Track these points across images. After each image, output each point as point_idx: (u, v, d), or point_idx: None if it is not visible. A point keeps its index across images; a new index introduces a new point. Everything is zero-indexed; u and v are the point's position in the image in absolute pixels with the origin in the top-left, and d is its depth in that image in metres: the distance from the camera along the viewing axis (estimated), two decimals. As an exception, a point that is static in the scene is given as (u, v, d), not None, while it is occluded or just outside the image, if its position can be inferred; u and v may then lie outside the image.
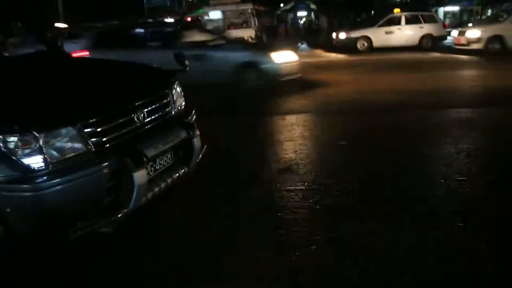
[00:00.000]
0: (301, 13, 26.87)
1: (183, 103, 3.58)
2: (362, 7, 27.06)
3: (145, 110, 2.96)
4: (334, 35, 20.04)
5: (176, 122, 3.28)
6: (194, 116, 3.63)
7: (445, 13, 41.23)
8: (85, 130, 2.54)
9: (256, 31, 21.48)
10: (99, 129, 2.60)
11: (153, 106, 3.07)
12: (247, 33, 21.34)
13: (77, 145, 2.51)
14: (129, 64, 3.61)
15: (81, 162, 2.50)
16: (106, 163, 2.56)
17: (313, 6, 27.08)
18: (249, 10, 21.92)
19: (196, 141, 3.31)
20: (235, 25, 21.80)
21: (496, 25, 16.94)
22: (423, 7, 26.72)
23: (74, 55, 9.58)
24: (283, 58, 8.96)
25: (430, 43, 18.28)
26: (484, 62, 13.52)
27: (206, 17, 21.63)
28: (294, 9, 26.82)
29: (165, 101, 3.26)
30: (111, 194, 2.63)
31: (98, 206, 2.58)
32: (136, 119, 2.87)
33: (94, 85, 3.00)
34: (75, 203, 2.45)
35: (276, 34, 25.87)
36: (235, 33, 21.30)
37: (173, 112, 3.33)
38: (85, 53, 8.92)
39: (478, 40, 15.73)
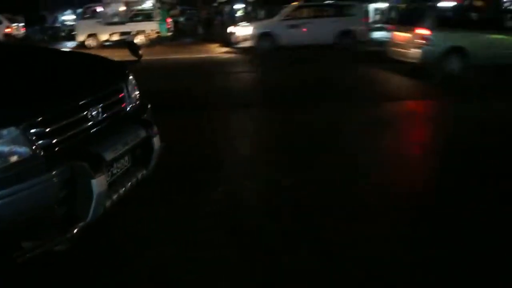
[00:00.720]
0: (238, 6, 26.58)
1: (138, 98, 3.20)
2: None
3: (99, 106, 2.56)
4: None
5: (133, 119, 2.91)
6: (150, 112, 3.27)
7: (375, 10, 42.88)
8: (31, 131, 2.11)
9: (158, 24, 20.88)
10: (48, 129, 2.18)
11: (108, 102, 2.67)
12: (150, 26, 20.69)
13: (22, 149, 2.08)
14: (75, 54, 3.16)
15: (27, 170, 2.06)
16: (58, 170, 2.14)
17: (248, -4, 26.77)
18: (153, 2, 21.25)
19: (156, 141, 2.96)
20: (138, 17, 21.10)
21: (266, 22, 16.90)
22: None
23: (417, 31, 9.71)
24: None
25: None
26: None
27: (104, 11, 20.56)
28: (231, 1, 26.48)
29: (120, 96, 2.87)
30: (64, 205, 2.22)
31: (49, 222, 2.17)
32: (89, 117, 2.47)
33: (40, 77, 2.53)
34: (20, 220, 2.03)
35: (210, 26, 25.37)
36: (137, 26, 20.58)
37: (128, 108, 2.96)
38: (427, 32, 9.46)
39: (249, 38, 15.50)
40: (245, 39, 15.89)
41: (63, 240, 2.19)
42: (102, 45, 19.81)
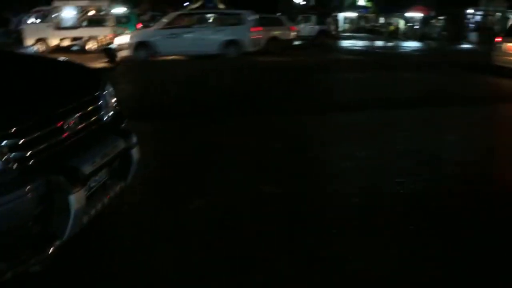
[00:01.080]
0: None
1: (115, 106, 3.06)
2: (268, 9, 27.51)
3: (76, 116, 2.42)
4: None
5: (111, 129, 2.78)
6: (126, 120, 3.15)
7: (345, 18, 43.80)
8: (3, 143, 1.96)
9: (114, 29, 20.20)
10: (21, 141, 2.03)
11: (85, 111, 2.53)
12: (103, 32, 19.59)
13: None
14: (50, 60, 2.99)
15: (-1, 185, 1.92)
16: (33, 184, 2.00)
17: (221, 6, 26.86)
18: (106, 7, 20.50)
19: (135, 152, 2.84)
20: (90, 23, 20.07)
21: (144, 30, 16.57)
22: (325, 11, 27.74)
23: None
24: None
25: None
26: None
27: (54, 15, 19.42)
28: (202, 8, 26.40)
29: (97, 104, 2.72)
30: (40, 223, 2.07)
31: (23, 241, 2.01)
32: (66, 128, 2.33)
33: (13, 85, 2.36)
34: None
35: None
36: (89, 31, 19.60)
37: (106, 118, 2.82)
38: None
39: (128, 47, 15.13)
40: (121, 48, 15.32)
41: (38, 260, 2.04)
42: (53, 50, 18.58)
